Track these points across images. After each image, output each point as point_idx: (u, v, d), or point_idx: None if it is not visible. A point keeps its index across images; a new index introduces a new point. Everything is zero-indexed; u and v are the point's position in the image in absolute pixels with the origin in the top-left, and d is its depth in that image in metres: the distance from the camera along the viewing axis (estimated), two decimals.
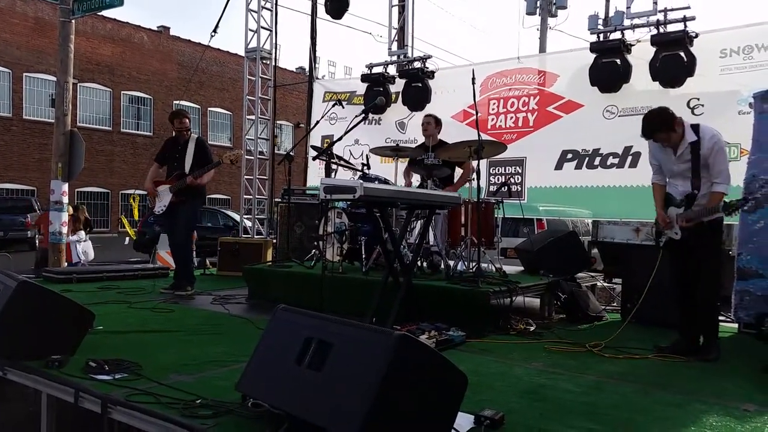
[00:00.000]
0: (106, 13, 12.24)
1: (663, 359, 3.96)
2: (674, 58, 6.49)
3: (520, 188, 7.83)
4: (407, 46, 9.51)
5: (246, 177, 10.51)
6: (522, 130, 7.91)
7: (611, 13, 7.44)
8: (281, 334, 2.73)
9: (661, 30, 6.69)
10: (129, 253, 13.57)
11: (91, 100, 27.31)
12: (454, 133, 7.01)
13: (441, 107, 7.79)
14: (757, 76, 6.17)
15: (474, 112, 5.65)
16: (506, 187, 7.35)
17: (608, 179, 7.20)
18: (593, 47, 7.07)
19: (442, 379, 2.33)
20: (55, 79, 9.73)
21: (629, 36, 6.98)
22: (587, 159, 7.36)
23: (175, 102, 27.77)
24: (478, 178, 5.44)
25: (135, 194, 17.46)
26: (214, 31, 10.73)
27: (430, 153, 5.60)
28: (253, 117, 10.45)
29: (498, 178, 7.99)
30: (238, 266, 7.26)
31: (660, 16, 6.72)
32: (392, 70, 9.11)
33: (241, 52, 10.70)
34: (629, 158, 6.98)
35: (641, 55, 6.80)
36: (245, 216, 10.76)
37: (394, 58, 9.22)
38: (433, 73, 8.62)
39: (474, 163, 5.58)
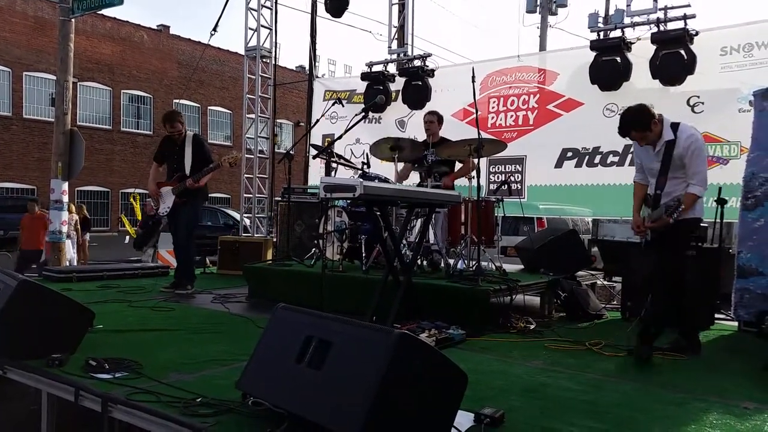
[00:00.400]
0: (105, 11, 12.24)
1: (663, 357, 3.95)
2: (674, 56, 6.49)
3: (520, 186, 7.82)
4: (407, 44, 9.51)
5: (246, 176, 10.50)
6: (522, 128, 7.90)
7: (611, 11, 7.45)
8: (281, 332, 2.73)
9: (662, 28, 6.68)
10: (129, 252, 13.56)
11: (91, 99, 27.26)
12: (454, 131, 6.99)
13: (441, 106, 7.76)
14: (758, 73, 6.15)
15: (474, 111, 5.64)
16: (506, 186, 7.34)
17: (608, 177, 7.19)
18: (593, 45, 7.06)
19: (442, 378, 2.33)
20: (55, 77, 9.73)
21: (629, 34, 6.98)
22: (587, 157, 7.35)
23: (175, 101, 27.72)
24: (478, 177, 5.44)
25: (135, 193, 17.47)
26: (214, 29, 10.70)
27: (431, 150, 5.60)
28: (253, 116, 10.43)
29: (498, 177, 7.98)
30: (239, 265, 7.27)
31: (660, 14, 6.71)
32: (392, 68, 9.11)
33: (241, 51, 10.68)
34: (629, 156, 6.94)
35: (641, 53, 6.79)
36: (245, 215, 10.76)
37: (394, 56, 9.21)
38: (433, 71, 8.60)
39: (474, 161, 5.58)
